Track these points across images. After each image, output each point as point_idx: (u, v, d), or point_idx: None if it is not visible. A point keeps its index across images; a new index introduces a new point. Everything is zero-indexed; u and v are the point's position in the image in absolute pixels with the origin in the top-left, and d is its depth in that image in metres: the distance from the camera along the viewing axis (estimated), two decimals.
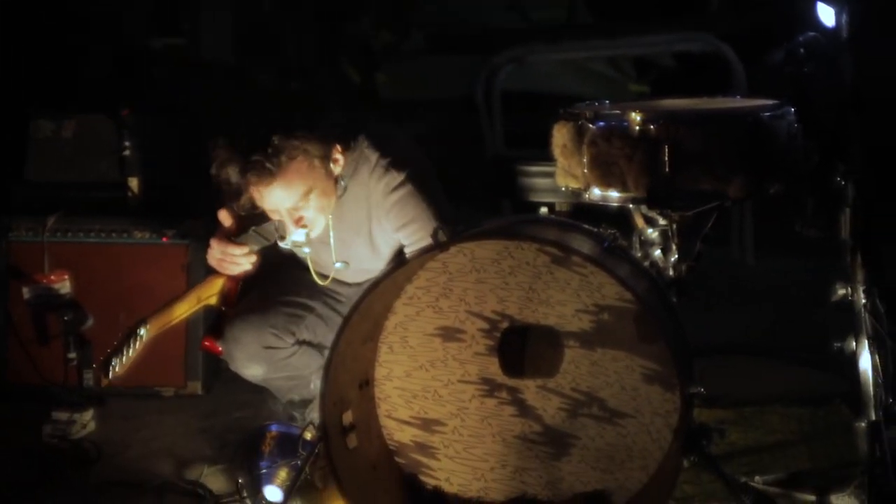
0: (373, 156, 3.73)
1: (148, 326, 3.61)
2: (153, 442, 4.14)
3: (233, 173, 3.55)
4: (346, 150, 3.70)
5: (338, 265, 3.82)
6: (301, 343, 3.88)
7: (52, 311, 4.27)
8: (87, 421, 4.19)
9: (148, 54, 6.52)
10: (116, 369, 3.56)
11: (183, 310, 3.74)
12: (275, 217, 3.69)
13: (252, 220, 3.77)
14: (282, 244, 3.71)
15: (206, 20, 7.07)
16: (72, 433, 4.10)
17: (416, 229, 3.70)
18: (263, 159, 3.52)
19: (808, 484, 3.57)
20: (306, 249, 3.74)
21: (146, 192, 4.64)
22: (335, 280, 3.94)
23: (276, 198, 3.61)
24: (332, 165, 3.67)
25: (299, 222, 3.66)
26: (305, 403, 3.90)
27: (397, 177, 3.71)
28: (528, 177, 4.64)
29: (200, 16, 7.07)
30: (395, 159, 3.73)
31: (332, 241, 3.78)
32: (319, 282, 3.87)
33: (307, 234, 3.68)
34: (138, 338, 3.58)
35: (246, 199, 3.63)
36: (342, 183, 3.72)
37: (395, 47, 8.00)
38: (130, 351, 3.58)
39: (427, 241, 3.65)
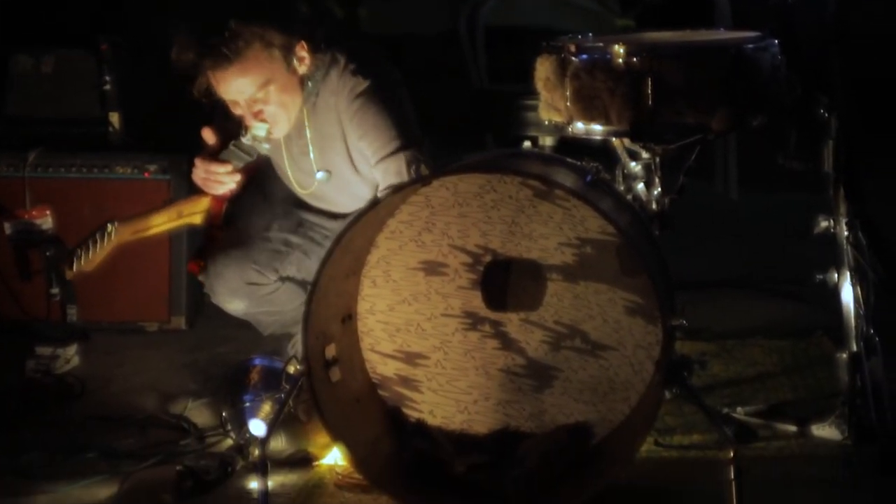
0: (341, 59, 3.68)
1: (116, 225, 3.60)
2: (137, 377, 4.15)
3: (191, 58, 3.52)
4: (314, 50, 3.65)
5: (319, 175, 3.78)
6: (285, 279, 3.88)
7: (33, 246, 4.25)
8: (70, 356, 4.20)
9: None
10: (82, 262, 3.56)
11: (161, 221, 3.73)
12: (236, 111, 3.64)
13: (232, 134, 3.73)
14: (243, 140, 3.66)
15: None
16: (55, 368, 4.11)
17: (375, 138, 3.64)
18: (220, 44, 3.48)
19: (789, 415, 3.60)
20: (266, 146, 3.68)
21: (127, 127, 4.61)
22: (320, 214, 3.92)
23: (233, 86, 3.56)
24: (295, 62, 3.61)
25: (258, 115, 3.62)
26: (288, 337, 3.91)
27: (362, 82, 3.66)
28: (511, 111, 4.63)
29: None
30: (362, 65, 3.68)
31: (311, 150, 3.75)
32: (300, 192, 3.84)
33: (268, 131, 3.64)
34: (106, 234, 3.58)
35: (202, 83, 3.59)
36: (310, 84, 3.67)
37: None
38: (97, 247, 3.57)
39: (386, 150, 3.63)
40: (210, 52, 3.50)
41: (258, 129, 3.63)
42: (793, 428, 3.54)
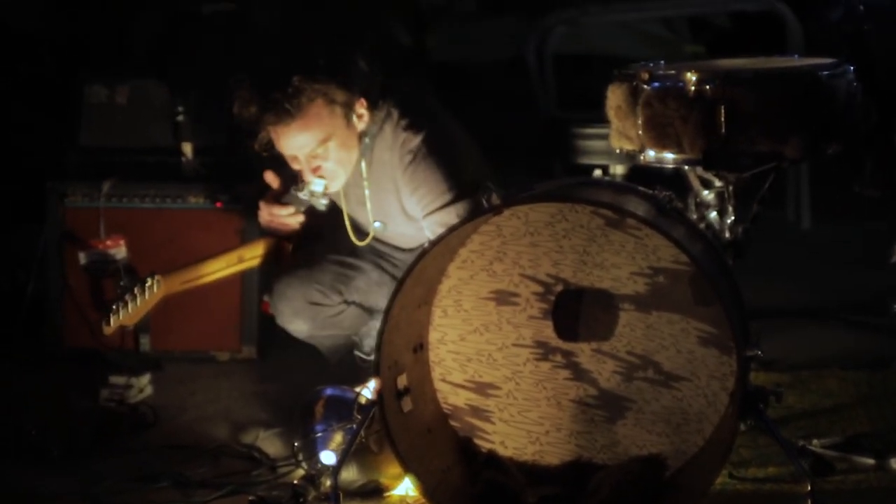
0: (395, 113, 3.70)
1: (159, 278, 3.62)
2: (209, 406, 4.16)
3: (253, 112, 3.54)
4: (372, 107, 3.67)
5: (376, 225, 3.81)
6: (350, 304, 3.89)
7: (108, 276, 4.30)
8: (143, 385, 4.22)
9: (199, 20, 6.54)
10: (120, 317, 3.56)
11: (218, 267, 3.75)
12: (295, 166, 3.67)
13: (291, 180, 3.77)
14: (300, 194, 3.70)
15: None
16: (129, 397, 4.13)
17: (424, 194, 3.68)
18: (283, 99, 3.51)
19: (866, 447, 3.53)
20: (324, 201, 3.70)
21: (200, 157, 4.65)
22: (389, 245, 3.94)
23: (294, 141, 3.59)
24: (354, 118, 3.64)
25: (317, 171, 3.65)
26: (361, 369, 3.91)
27: (413, 138, 3.68)
28: (581, 139, 4.62)
29: None
30: (414, 120, 3.70)
31: (367, 200, 3.78)
32: (357, 242, 3.87)
33: (325, 186, 3.67)
34: (147, 289, 3.59)
35: (263, 137, 3.62)
36: (367, 140, 3.69)
37: (445, 9, 7.95)
38: (138, 301, 3.58)
39: (436, 204, 3.65)
40: (273, 108, 3.53)
41: (316, 185, 3.67)
42: (871, 461, 3.47)
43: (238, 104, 3.58)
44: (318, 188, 3.67)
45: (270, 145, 3.66)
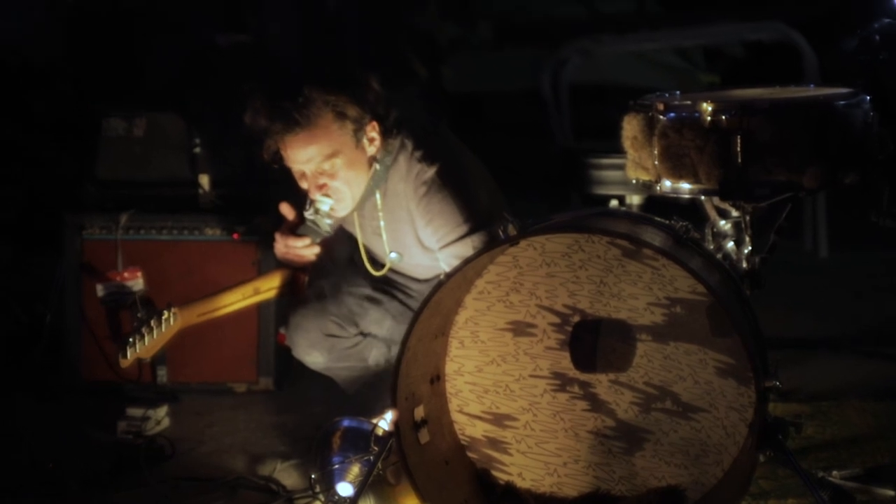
0: (409, 144, 3.71)
1: (176, 310, 3.63)
2: (226, 438, 4.16)
3: (263, 123, 3.55)
4: (385, 134, 3.67)
5: (392, 255, 3.81)
6: (366, 335, 3.89)
7: (125, 308, 4.31)
8: (161, 417, 4.23)
9: (215, 52, 6.57)
10: (136, 349, 3.56)
11: (235, 299, 3.76)
12: (302, 184, 3.67)
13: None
14: (307, 214, 3.69)
15: (272, 17, 7.09)
16: (146, 429, 4.14)
17: (440, 225, 3.67)
18: (292, 108, 3.51)
19: (886, 479, 3.51)
20: (329, 221, 3.70)
21: (217, 189, 4.66)
22: (405, 276, 3.94)
23: (301, 154, 3.58)
24: (365, 141, 3.64)
25: (322, 189, 3.64)
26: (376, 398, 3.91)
27: (427, 170, 3.68)
28: (597, 169, 4.61)
29: (266, 13, 7.08)
30: (429, 151, 3.70)
31: (383, 231, 3.78)
32: (373, 272, 3.87)
33: (331, 207, 3.66)
34: (163, 321, 3.59)
35: (271, 146, 3.62)
36: (378, 168, 3.69)
37: (461, 40, 7.98)
38: (154, 333, 3.58)
39: (452, 237, 3.65)
40: (281, 116, 3.53)
41: (322, 204, 3.66)
42: (891, 492, 3.45)
43: (249, 114, 3.59)
44: (324, 207, 3.66)
45: (279, 157, 3.65)
